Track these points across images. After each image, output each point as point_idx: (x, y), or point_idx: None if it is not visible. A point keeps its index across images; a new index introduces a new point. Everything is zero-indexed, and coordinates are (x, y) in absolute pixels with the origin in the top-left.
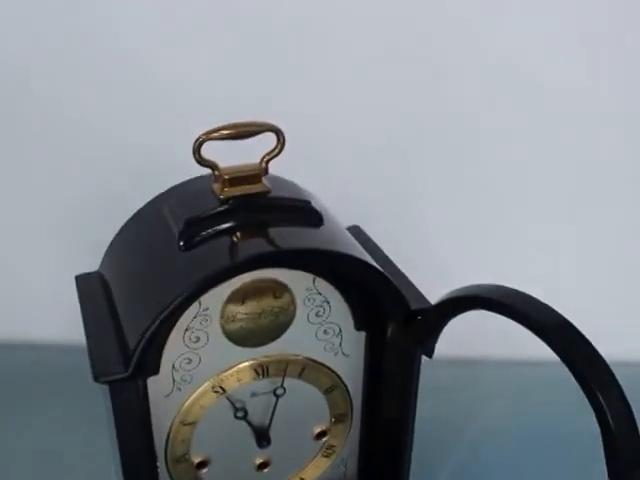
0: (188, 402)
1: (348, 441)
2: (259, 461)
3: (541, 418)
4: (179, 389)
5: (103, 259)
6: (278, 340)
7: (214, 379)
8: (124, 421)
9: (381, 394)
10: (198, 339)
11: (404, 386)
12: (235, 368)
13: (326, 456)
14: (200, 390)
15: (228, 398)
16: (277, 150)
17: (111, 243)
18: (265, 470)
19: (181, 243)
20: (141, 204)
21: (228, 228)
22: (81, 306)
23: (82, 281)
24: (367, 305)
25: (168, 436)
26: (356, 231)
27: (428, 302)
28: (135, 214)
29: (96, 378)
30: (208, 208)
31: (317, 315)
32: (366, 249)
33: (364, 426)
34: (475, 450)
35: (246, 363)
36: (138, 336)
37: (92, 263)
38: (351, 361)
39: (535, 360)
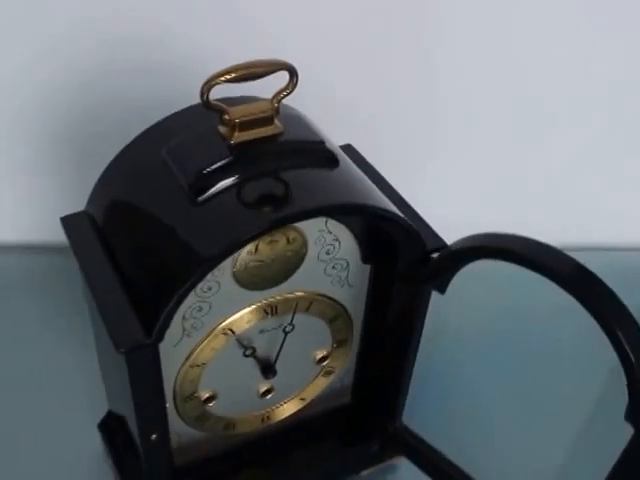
0: (198, 347)
1: (346, 360)
2: (263, 389)
3: None
4: (188, 336)
5: (91, 198)
6: (288, 280)
7: (224, 323)
8: (137, 380)
9: (384, 322)
10: (210, 288)
11: (410, 317)
12: (245, 310)
13: (325, 376)
14: (210, 335)
15: (237, 339)
16: (290, 89)
17: (99, 181)
18: (268, 396)
19: (194, 196)
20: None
21: (244, 179)
22: (77, 257)
23: (71, 223)
24: (376, 240)
25: (176, 378)
26: (350, 150)
27: (443, 242)
28: (125, 150)
29: (117, 347)
30: (219, 155)
31: (327, 253)
32: (360, 169)
33: (363, 347)
34: None
35: (255, 304)
36: (162, 302)
37: None
38: (355, 291)
39: None
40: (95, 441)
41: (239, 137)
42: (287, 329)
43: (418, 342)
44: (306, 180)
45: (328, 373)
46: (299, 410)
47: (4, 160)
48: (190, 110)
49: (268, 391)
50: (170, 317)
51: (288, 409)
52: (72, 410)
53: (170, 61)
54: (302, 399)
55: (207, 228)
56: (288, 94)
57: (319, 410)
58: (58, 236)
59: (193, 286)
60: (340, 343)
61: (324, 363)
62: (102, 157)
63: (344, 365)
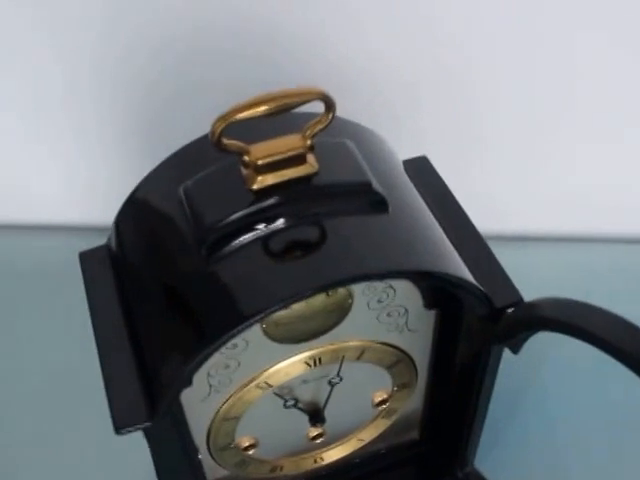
0: (229, 402)
1: (411, 401)
2: (313, 434)
3: None
4: (217, 392)
5: (113, 232)
6: (332, 331)
7: (258, 377)
8: (156, 440)
9: (452, 368)
10: (235, 346)
11: (479, 371)
12: (282, 364)
13: (386, 417)
14: (242, 389)
15: (275, 392)
16: (327, 121)
17: (121, 213)
18: (319, 440)
19: (206, 252)
20: None
21: (266, 236)
22: (89, 300)
23: (89, 263)
24: (440, 288)
25: (209, 432)
26: (423, 165)
27: (518, 296)
28: (143, 183)
29: (116, 427)
30: (236, 205)
31: (379, 301)
32: (430, 185)
33: (430, 389)
34: None
35: (295, 357)
36: (168, 378)
37: None
38: (419, 335)
39: None
40: None
41: (263, 181)
42: (333, 381)
43: (489, 397)
44: (344, 234)
45: (390, 414)
46: (357, 450)
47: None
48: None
49: (319, 435)
50: (177, 395)
51: (344, 450)
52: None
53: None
54: (360, 440)
55: (219, 294)
56: (324, 128)
57: (382, 447)
58: None
59: (200, 365)
60: (402, 386)
61: (384, 406)
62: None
63: (409, 405)
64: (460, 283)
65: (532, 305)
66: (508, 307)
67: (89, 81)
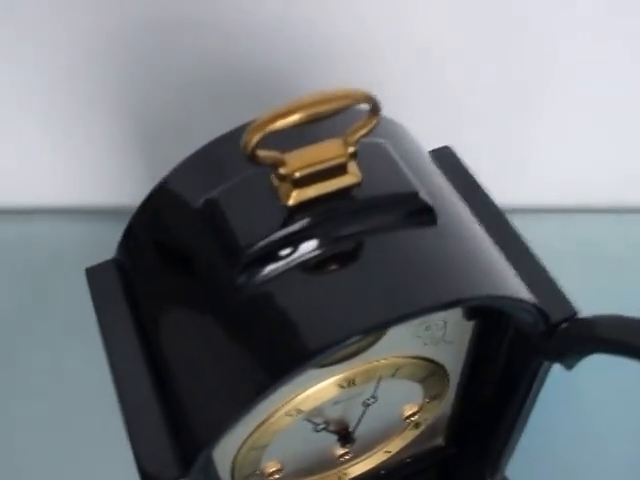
0: (256, 432)
1: (440, 411)
2: (340, 452)
3: None
4: (245, 424)
5: (122, 245)
6: (367, 351)
7: (287, 404)
8: None
9: (489, 380)
10: None
11: (523, 383)
12: (313, 388)
13: (414, 428)
14: (270, 418)
15: (305, 418)
16: (371, 125)
17: (132, 227)
18: (346, 457)
19: (239, 281)
20: None
21: (307, 262)
22: (100, 323)
23: (97, 281)
24: None
25: (234, 462)
26: (447, 156)
27: (572, 310)
28: (157, 191)
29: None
30: (271, 223)
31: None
32: (457, 179)
33: (460, 398)
34: None
35: (328, 381)
36: (209, 432)
37: None
38: (454, 346)
39: None
40: None
41: (300, 196)
42: (369, 402)
43: (532, 407)
44: (398, 255)
45: (418, 425)
46: (383, 461)
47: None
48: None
49: (346, 453)
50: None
51: (370, 463)
52: None
53: None
54: (387, 452)
55: (259, 336)
56: (368, 133)
57: (407, 455)
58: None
59: (236, 422)
60: (433, 397)
61: (414, 418)
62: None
63: (438, 416)
64: (522, 306)
65: (591, 323)
66: (563, 322)
67: (93, 67)
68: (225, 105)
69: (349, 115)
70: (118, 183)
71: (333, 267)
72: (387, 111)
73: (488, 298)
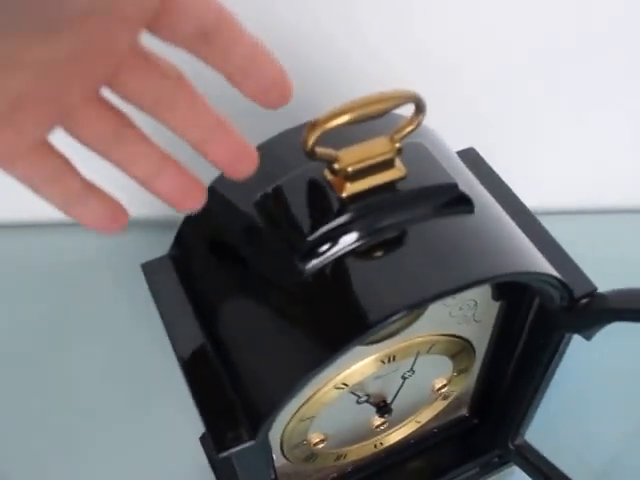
0: (306, 404)
1: (466, 384)
2: (377, 423)
3: None
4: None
5: (176, 241)
6: (407, 329)
7: (335, 378)
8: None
9: (512, 353)
10: None
11: (544, 355)
12: (358, 364)
13: (443, 399)
14: (319, 391)
15: (350, 391)
16: (416, 123)
17: (187, 221)
18: (382, 427)
19: (302, 265)
20: None
21: (360, 248)
22: (160, 311)
23: (154, 274)
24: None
25: (283, 433)
26: (472, 156)
27: (592, 286)
28: (211, 189)
29: (219, 451)
30: (328, 213)
31: (453, 297)
32: (483, 176)
33: (485, 370)
34: None
35: (371, 357)
36: (272, 400)
37: None
38: (482, 326)
39: None
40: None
41: (352, 189)
42: (406, 375)
43: (552, 377)
44: (444, 239)
45: (446, 397)
46: (414, 431)
47: None
48: (294, 134)
49: (382, 423)
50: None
51: (403, 432)
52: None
53: None
54: (418, 422)
55: (324, 320)
56: (413, 130)
57: (435, 425)
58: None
59: (300, 388)
60: (461, 371)
61: (443, 390)
62: None
63: (463, 388)
64: (551, 282)
65: (608, 296)
66: (584, 297)
67: None
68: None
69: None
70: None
71: (383, 252)
72: None
73: (523, 274)
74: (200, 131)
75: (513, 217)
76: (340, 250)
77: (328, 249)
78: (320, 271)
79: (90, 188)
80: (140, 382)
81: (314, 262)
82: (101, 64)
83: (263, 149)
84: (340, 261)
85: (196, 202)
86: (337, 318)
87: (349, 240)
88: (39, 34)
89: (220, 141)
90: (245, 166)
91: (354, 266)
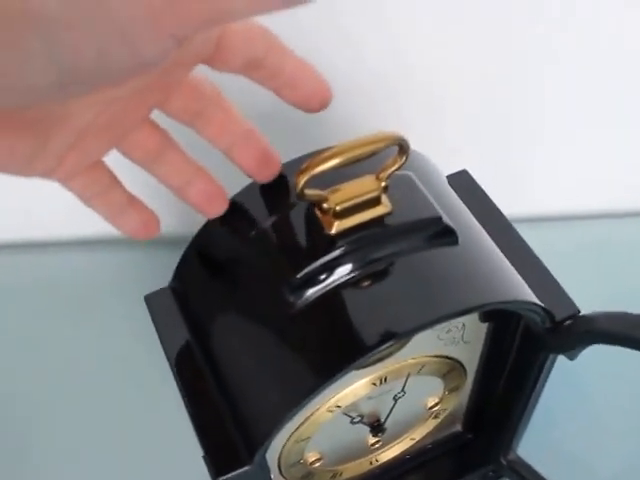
0: (301, 427)
1: (458, 401)
2: (372, 441)
3: None
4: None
5: (177, 274)
6: (398, 353)
7: (328, 401)
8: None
9: (501, 371)
10: None
11: (531, 375)
12: (351, 387)
13: (436, 418)
14: (313, 414)
15: (344, 412)
16: (401, 163)
17: (186, 258)
18: (377, 445)
19: (292, 299)
20: None
21: (349, 281)
22: (162, 342)
23: (156, 306)
24: None
25: (280, 453)
26: (465, 179)
27: (575, 308)
28: (205, 227)
29: (217, 475)
30: (317, 250)
31: None
32: (474, 199)
33: (477, 388)
34: None
35: (363, 380)
36: (267, 426)
37: None
38: (471, 346)
39: None
40: None
41: (341, 225)
42: (398, 396)
43: (539, 394)
44: (428, 271)
45: (439, 414)
46: (409, 447)
47: None
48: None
49: (377, 442)
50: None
51: (398, 449)
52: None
53: None
54: (412, 439)
55: (317, 352)
56: (397, 170)
57: (429, 441)
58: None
59: (295, 413)
60: (452, 390)
61: (436, 408)
62: None
63: (456, 405)
64: (530, 308)
65: (591, 319)
66: (566, 320)
67: None
68: None
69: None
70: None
71: (372, 283)
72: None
73: (503, 303)
74: (230, 139)
75: (499, 240)
76: (330, 283)
77: (319, 282)
78: (312, 303)
79: (132, 200)
80: (142, 401)
81: (306, 295)
82: (156, 96)
83: (258, 185)
84: (331, 293)
85: (220, 208)
86: (330, 346)
87: (339, 274)
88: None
89: (247, 148)
90: (269, 171)
91: (344, 297)
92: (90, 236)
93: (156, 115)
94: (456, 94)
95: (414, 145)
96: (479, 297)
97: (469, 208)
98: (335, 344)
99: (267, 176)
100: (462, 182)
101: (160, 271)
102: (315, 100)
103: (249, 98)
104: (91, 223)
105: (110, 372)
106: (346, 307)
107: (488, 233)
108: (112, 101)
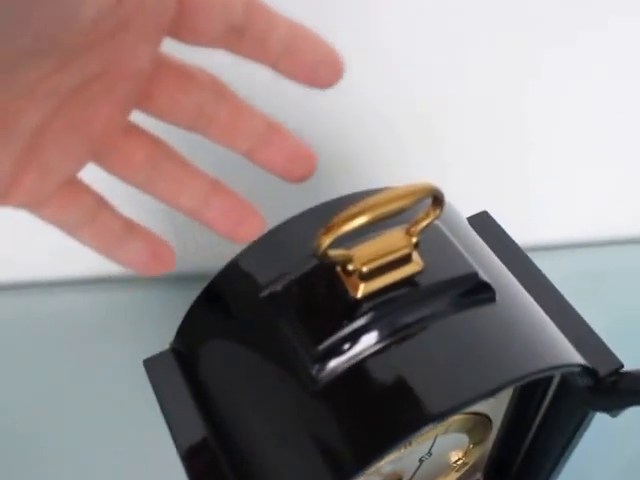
0: None
1: (482, 453)
2: None
3: None
4: None
5: (180, 335)
6: None
7: None
8: None
9: (529, 425)
10: None
11: (564, 431)
12: None
13: (458, 470)
14: None
15: (365, 476)
16: (434, 216)
17: (191, 317)
18: None
19: (317, 372)
20: None
21: (378, 352)
22: (163, 412)
23: (156, 372)
24: None
25: None
26: (486, 221)
27: (618, 363)
28: (216, 281)
29: None
30: (341, 317)
31: None
32: (498, 243)
33: (501, 439)
34: None
35: None
36: None
37: None
38: (499, 400)
39: None
40: None
41: (367, 288)
42: (424, 458)
43: (571, 453)
44: (467, 338)
45: (462, 467)
46: None
47: None
48: (304, 220)
49: None
50: None
51: None
52: None
53: None
54: None
55: (336, 427)
56: (430, 223)
57: None
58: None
59: None
60: (477, 443)
61: (459, 462)
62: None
63: (479, 457)
64: (575, 370)
65: (637, 377)
66: (609, 376)
67: None
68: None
69: None
70: None
71: (404, 356)
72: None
73: (550, 369)
74: (248, 139)
75: (530, 288)
76: (357, 355)
77: (343, 354)
78: (336, 379)
79: (131, 227)
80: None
81: (328, 368)
82: (124, 85)
83: (270, 237)
84: (357, 367)
85: (252, 230)
86: (359, 433)
87: (366, 343)
88: (51, 61)
89: (271, 145)
90: (302, 169)
91: (373, 372)
92: (77, 276)
93: (154, 125)
94: (456, 125)
95: (417, 178)
96: (523, 367)
97: (495, 251)
98: (365, 430)
99: (299, 176)
100: (484, 224)
101: (158, 309)
102: (323, 69)
103: None
104: (80, 261)
105: (105, 417)
106: (376, 384)
107: (518, 281)
108: (64, 95)
